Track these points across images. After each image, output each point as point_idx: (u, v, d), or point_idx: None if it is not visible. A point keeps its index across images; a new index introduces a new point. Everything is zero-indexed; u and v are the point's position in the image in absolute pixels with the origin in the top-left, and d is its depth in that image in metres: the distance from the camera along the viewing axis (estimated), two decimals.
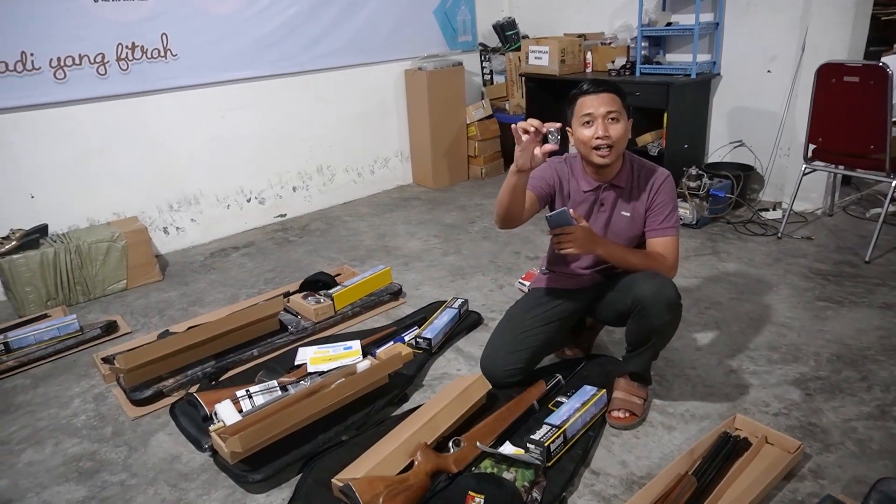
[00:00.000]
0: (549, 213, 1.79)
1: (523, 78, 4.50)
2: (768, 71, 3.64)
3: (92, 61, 3.16)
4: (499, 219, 1.86)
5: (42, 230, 3.07)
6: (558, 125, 1.66)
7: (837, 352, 2.25)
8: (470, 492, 1.55)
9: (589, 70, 4.28)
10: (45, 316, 2.86)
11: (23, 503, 1.78)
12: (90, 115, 3.23)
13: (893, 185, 2.91)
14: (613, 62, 4.11)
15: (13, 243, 2.90)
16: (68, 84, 3.12)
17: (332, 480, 1.65)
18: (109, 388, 2.32)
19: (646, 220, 1.92)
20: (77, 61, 3.11)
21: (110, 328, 2.73)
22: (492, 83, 4.93)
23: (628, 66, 4.02)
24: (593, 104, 1.79)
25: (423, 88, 4.31)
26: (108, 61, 3.20)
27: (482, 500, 1.52)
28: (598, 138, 1.79)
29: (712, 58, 3.83)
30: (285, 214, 4.14)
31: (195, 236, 3.77)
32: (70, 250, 2.99)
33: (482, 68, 4.92)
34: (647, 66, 3.92)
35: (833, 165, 3.20)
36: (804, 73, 3.36)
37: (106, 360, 2.42)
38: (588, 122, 1.81)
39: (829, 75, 2.94)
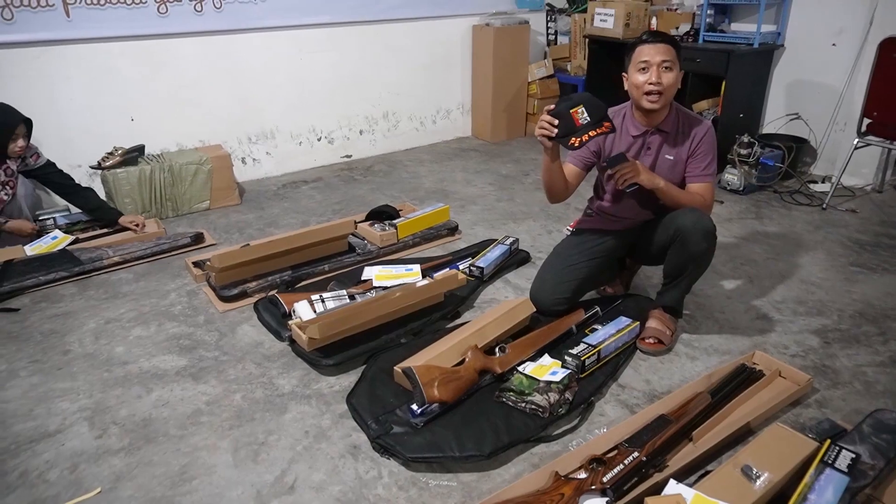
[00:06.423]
0: (608, 157, 2.04)
1: (587, 39, 4.60)
2: (833, 44, 3.66)
3: None
4: (546, 194, 2.19)
5: (140, 149, 3.43)
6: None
7: (861, 310, 2.40)
8: (571, 110, 1.84)
9: None
10: None
11: (137, 364, 2.14)
12: (186, 49, 3.55)
13: None
14: (678, 28, 4.18)
15: (117, 159, 3.27)
16: (169, 18, 3.43)
17: (395, 367, 1.94)
18: (200, 286, 2.67)
19: (686, 165, 2.11)
20: None
21: (198, 239, 3.08)
22: (555, 43, 5.05)
23: (692, 32, 4.09)
24: (650, 52, 1.97)
25: (489, 44, 4.47)
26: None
27: (583, 108, 1.84)
28: (650, 83, 1.97)
29: (777, 28, 3.87)
30: (351, 155, 4.42)
31: (269, 168, 4.09)
32: (164, 169, 3.34)
33: (547, 28, 5.03)
34: (710, 33, 3.98)
35: (887, 141, 3.25)
36: (869, 48, 3.39)
37: (196, 264, 2.77)
38: (643, 69, 1.99)
39: (891, 49, 2.99)
